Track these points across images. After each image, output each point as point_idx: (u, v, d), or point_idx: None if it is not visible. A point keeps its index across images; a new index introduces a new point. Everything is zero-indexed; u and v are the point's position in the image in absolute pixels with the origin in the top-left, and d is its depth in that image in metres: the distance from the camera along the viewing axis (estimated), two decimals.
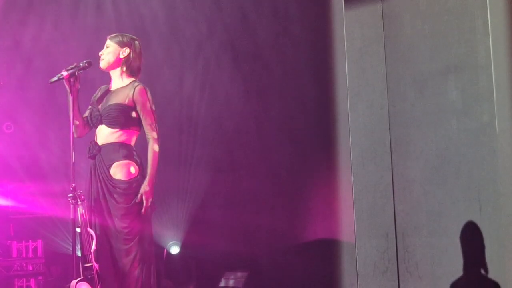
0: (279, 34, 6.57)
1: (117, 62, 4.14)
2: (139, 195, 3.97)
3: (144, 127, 4.08)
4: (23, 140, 8.46)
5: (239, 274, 6.44)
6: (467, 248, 5.16)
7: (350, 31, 5.80)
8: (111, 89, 4.16)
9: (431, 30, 5.07)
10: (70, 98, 4.00)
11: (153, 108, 4.09)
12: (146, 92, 4.08)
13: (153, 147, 4.04)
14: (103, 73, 4.23)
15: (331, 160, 5.97)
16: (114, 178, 3.98)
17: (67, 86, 3.97)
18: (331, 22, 6.00)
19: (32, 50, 8.03)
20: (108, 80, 4.23)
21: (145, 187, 3.99)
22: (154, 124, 4.08)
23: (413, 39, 5.24)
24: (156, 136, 4.06)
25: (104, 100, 4.12)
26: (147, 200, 3.98)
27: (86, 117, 4.15)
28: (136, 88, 4.06)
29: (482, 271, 5.06)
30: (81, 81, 4.02)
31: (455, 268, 5.19)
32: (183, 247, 6.91)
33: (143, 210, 3.99)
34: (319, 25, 6.14)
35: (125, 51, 4.13)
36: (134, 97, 4.04)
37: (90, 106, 4.20)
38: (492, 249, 4.99)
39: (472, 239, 5.12)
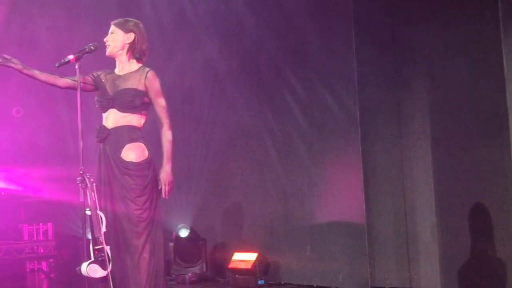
0: None
1: (123, 48, 4.14)
2: (160, 182, 4.01)
3: (158, 112, 4.11)
4: (32, 124, 8.50)
5: (247, 255, 6.46)
6: (475, 229, 5.16)
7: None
8: (119, 74, 4.16)
9: None
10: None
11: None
12: (158, 77, 4.11)
13: (168, 132, 4.08)
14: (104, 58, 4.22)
15: (340, 141, 5.95)
16: (125, 161, 4.00)
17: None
18: None
19: (39, 34, 8.06)
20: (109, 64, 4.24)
21: (164, 171, 4.03)
22: (167, 109, 4.11)
23: None
24: (169, 121, 4.10)
25: (113, 85, 4.12)
26: (166, 185, 4.02)
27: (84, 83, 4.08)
28: (148, 73, 4.08)
29: (490, 251, 5.06)
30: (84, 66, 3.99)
31: (464, 248, 5.20)
32: (192, 230, 6.94)
33: (165, 195, 4.04)
34: None
35: (130, 37, 4.13)
36: (147, 82, 4.07)
37: (92, 74, 4.17)
38: (500, 230, 4.99)
39: (480, 219, 5.11)
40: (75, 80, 3.98)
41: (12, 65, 3.93)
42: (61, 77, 4.10)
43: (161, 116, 4.10)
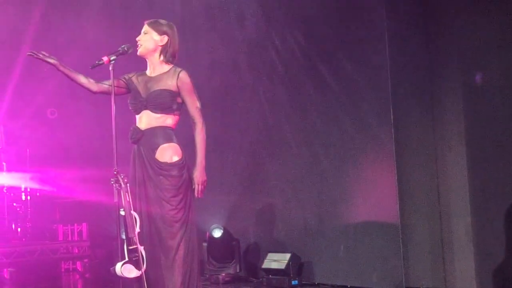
0: None
1: (155, 49, 4.15)
2: (193, 182, 4.02)
3: (191, 112, 4.11)
4: (66, 126, 8.62)
5: (280, 255, 6.45)
6: (510, 229, 5.08)
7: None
8: (150, 75, 4.17)
9: None
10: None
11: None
12: (189, 77, 4.11)
13: (201, 131, 4.09)
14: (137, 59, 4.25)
15: (373, 141, 5.90)
16: (160, 161, 4.02)
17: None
18: None
19: (73, 36, 8.16)
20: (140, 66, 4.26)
21: (197, 171, 4.04)
22: (200, 108, 4.11)
23: None
24: (202, 120, 4.10)
25: (145, 86, 4.14)
26: (199, 184, 4.03)
27: (117, 85, 4.10)
28: (181, 74, 4.09)
29: None
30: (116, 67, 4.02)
31: (500, 249, 5.11)
32: (225, 230, 6.94)
33: (198, 194, 4.04)
34: None
35: (164, 39, 4.14)
36: (179, 83, 4.07)
37: (124, 77, 4.21)
38: None
39: None
40: (108, 85, 4.02)
41: (49, 60, 4.00)
42: (96, 82, 4.14)
43: (194, 116, 4.11)
